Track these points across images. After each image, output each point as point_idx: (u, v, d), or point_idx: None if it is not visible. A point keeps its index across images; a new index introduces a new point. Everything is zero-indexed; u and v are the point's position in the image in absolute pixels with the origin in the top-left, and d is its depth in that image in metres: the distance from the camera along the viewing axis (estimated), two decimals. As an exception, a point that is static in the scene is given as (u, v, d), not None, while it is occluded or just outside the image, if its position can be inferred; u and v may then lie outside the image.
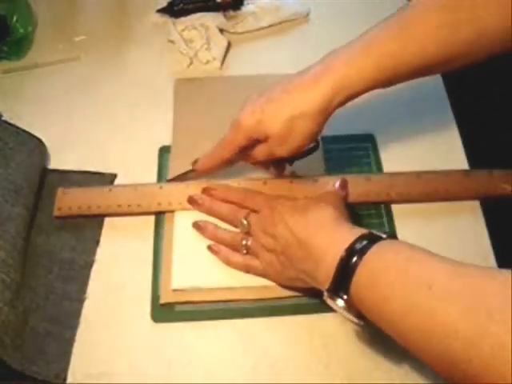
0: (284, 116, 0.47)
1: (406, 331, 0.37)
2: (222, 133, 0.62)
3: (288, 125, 0.48)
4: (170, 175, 0.59)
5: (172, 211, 0.56)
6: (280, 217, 0.48)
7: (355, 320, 0.42)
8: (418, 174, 0.58)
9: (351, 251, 0.41)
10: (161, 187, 0.57)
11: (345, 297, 0.41)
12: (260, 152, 0.52)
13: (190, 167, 0.57)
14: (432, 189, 0.57)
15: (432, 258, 0.38)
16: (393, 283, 0.38)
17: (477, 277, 0.35)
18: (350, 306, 0.41)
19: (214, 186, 0.56)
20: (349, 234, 0.43)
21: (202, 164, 0.55)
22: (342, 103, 0.48)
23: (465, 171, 0.60)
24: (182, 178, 0.57)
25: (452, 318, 0.34)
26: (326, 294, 0.42)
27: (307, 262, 0.45)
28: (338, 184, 0.54)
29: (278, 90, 0.49)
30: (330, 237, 0.44)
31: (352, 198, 0.55)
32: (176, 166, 0.60)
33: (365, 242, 0.41)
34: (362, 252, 0.41)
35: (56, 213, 0.56)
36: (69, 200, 0.56)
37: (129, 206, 0.56)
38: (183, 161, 0.60)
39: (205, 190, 0.56)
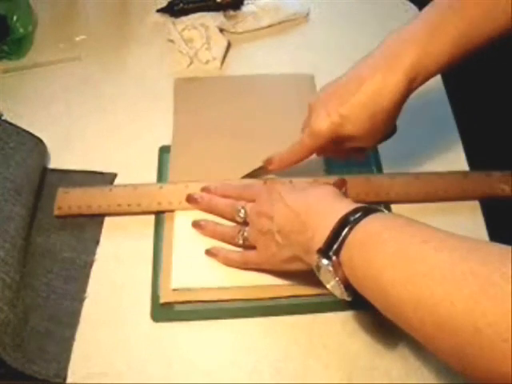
0: (365, 115, 0.48)
1: (391, 281, 0.36)
2: (221, 132, 0.62)
3: (371, 122, 0.48)
4: (171, 175, 0.59)
5: (172, 211, 0.56)
6: (278, 196, 0.48)
7: (341, 289, 0.42)
8: (417, 175, 0.58)
9: (345, 221, 0.41)
10: (161, 187, 0.57)
11: (334, 258, 0.40)
12: (339, 148, 0.52)
13: (191, 166, 0.57)
14: (431, 190, 0.58)
15: (427, 225, 0.39)
16: (384, 240, 0.38)
17: (474, 240, 0.35)
18: (337, 268, 0.41)
19: (213, 185, 0.56)
20: (345, 207, 0.43)
21: (276, 163, 0.55)
22: (418, 87, 0.48)
23: (463, 172, 0.60)
24: (253, 174, 0.58)
25: (442, 264, 0.34)
26: (315, 256, 0.42)
27: (304, 233, 0.45)
28: (334, 183, 0.54)
29: (343, 89, 0.49)
30: (329, 208, 0.44)
31: (351, 197, 0.55)
32: (176, 166, 0.60)
33: (359, 214, 0.41)
34: (356, 221, 0.41)
35: (56, 212, 0.56)
36: (69, 199, 0.56)
37: (129, 205, 0.56)
38: (183, 160, 0.60)
39: (204, 189, 0.56)
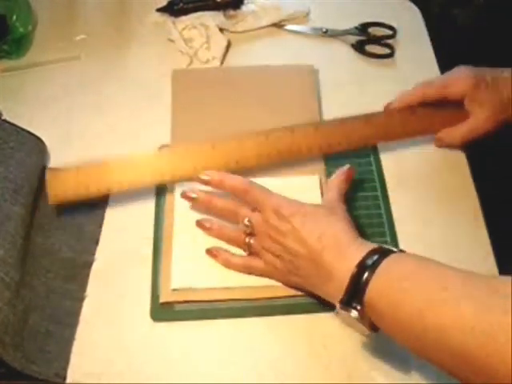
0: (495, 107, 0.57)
1: (421, 333, 0.38)
2: (221, 126, 0.61)
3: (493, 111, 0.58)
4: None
5: (175, 182, 0.56)
6: (290, 226, 0.47)
7: (367, 332, 0.43)
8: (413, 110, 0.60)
9: (363, 266, 0.42)
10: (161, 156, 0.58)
11: (358, 307, 0.42)
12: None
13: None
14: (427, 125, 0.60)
15: (443, 266, 0.40)
16: (407, 289, 0.39)
17: (489, 280, 0.37)
18: (363, 317, 0.42)
19: (209, 173, 0.53)
20: (360, 250, 0.44)
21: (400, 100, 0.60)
22: None
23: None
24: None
25: (468, 315, 0.35)
26: (338, 305, 0.43)
27: (317, 277, 0.46)
28: (343, 175, 0.54)
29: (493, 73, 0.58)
30: (343, 253, 0.45)
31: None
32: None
33: (376, 257, 0.42)
34: (373, 266, 0.42)
35: (52, 200, 0.54)
36: (62, 182, 0.54)
37: (129, 181, 0.55)
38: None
39: (204, 181, 0.53)
